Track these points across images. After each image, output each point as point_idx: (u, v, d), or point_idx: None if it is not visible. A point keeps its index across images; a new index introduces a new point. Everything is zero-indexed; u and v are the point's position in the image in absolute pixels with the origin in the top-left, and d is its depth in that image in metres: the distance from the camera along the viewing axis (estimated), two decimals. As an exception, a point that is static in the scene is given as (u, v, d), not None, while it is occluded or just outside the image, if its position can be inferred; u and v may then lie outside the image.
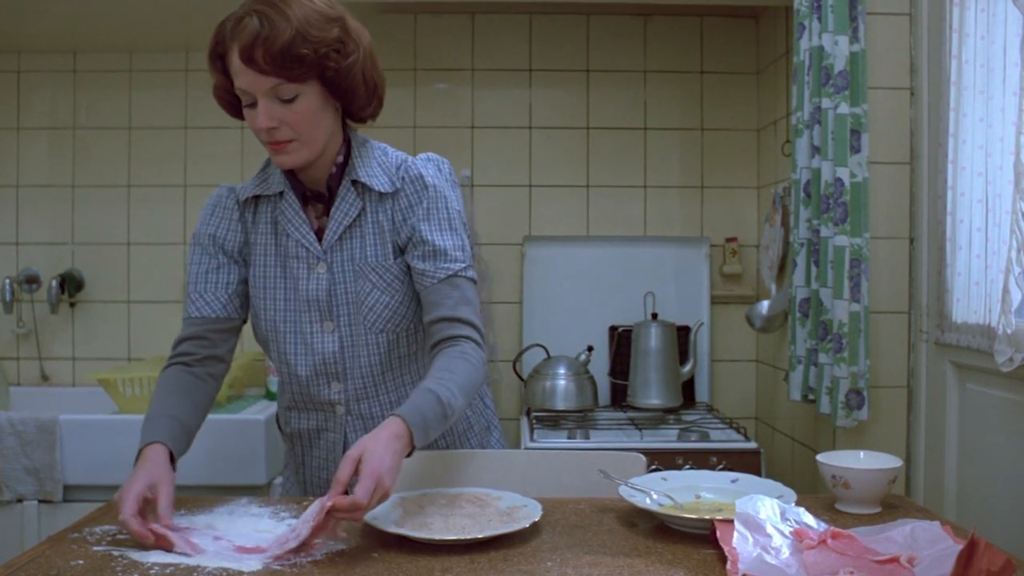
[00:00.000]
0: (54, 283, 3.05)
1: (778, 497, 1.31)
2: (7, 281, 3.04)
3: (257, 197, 1.58)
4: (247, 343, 3.16)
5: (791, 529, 1.20)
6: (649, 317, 2.90)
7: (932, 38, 2.23)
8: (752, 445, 2.47)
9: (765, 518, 1.22)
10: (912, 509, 1.46)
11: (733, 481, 1.48)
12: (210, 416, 2.58)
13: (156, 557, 1.21)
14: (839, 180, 2.19)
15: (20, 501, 2.47)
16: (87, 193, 3.15)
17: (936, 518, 1.35)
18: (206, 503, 1.47)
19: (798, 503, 1.32)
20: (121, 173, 3.15)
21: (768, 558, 1.13)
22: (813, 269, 2.33)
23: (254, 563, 1.19)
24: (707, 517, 1.27)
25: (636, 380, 2.84)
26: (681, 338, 2.91)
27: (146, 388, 2.62)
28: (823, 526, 1.23)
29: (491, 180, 3.10)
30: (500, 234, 3.10)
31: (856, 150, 2.20)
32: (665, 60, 3.14)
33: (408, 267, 1.54)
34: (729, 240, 3.10)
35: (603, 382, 2.98)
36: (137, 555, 1.22)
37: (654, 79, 3.14)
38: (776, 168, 2.91)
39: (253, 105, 1.44)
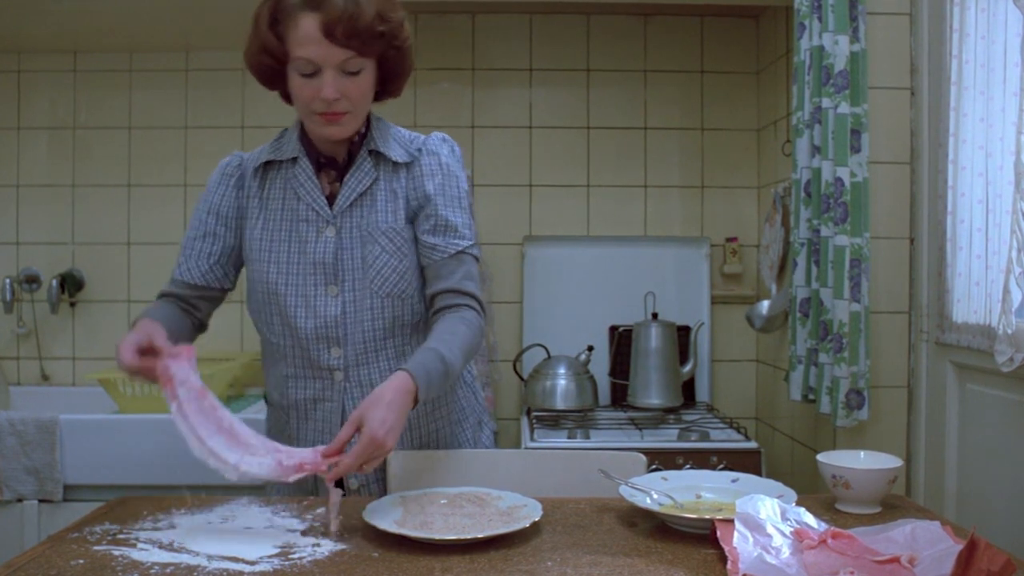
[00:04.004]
0: (54, 283, 3.05)
1: (778, 497, 1.31)
2: (7, 281, 3.04)
3: (269, 162, 1.62)
4: (248, 343, 3.16)
5: (791, 529, 1.20)
6: (649, 317, 2.90)
7: (932, 38, 2.23)
8: (752, 445, 2.47)
9: (765, 518, 1.22)
10: (912, 509, 1.46)
11: (733, 481, 1.48)
12: (210, 416, 2.60)
13: (156, 557, 1.21)
14: (839, 180, 2.19)
15: (20, 501, 2.47)
16: (87, 193, 3.15)
17: (936, 518, 1.35)
18: (206, 503, 1.47)
19: (798, 503, 1.32)
20: (121, 173, 3.15)
21: (768, 558, 1.13)
22: (813, 269, 2.33)
23: (252, 553, 1.20)
24: (707, 517, 1.27)
25: (636, 380, 2.84)
26: (681, 338, 2.91)
27: (146, 388, 2.62)
28: (823, 526, 1.23)
29: (491, 180, 3.10)
30: (500, 234, 3.10)
31: (856, 150, 2.20)
32: (665, 60, 3.14)
33: (414, 236, 1.59)
34: (729, 240, 3.10)
35: (603, 382, 2.98)
36: (137, 555, 1.22)
37: (654, 79, 3.14)
38: (776, 168, 2.91)
39: (313, 75, 1.47)
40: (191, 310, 1.66)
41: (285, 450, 1.34)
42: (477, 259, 1.61)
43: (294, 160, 1.60)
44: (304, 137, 1.60)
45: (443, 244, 1.57)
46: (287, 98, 1.59)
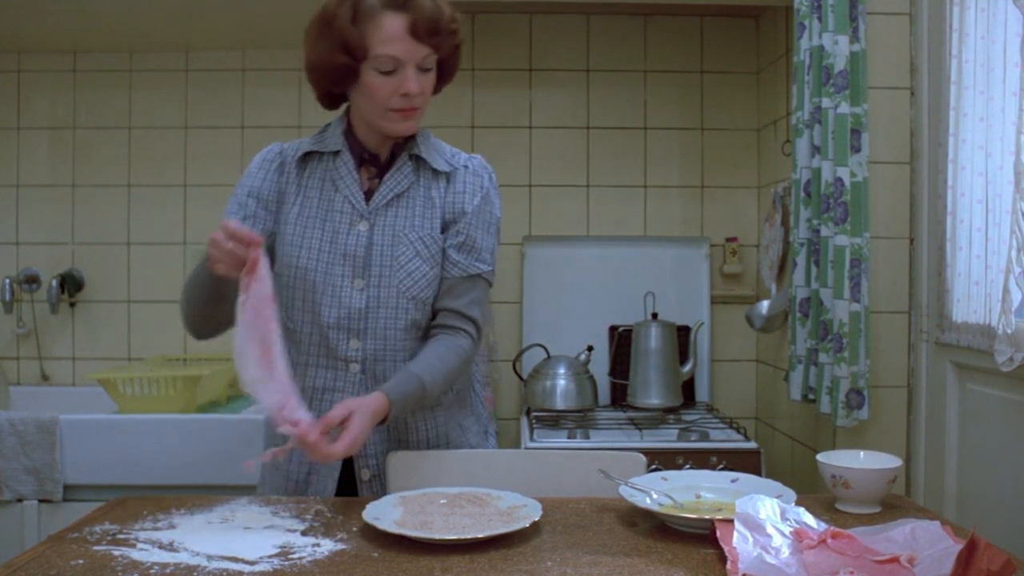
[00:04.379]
0: (54, 283, 3.05)
1: (778, 497, 1.31)
2: (7, 281, 3.04)
3: (310, 152, 1.66)
4: (247, 343, 3.15)
5: (791, 529, 1.20)
6: (649, 317, 2.90)
7: (932, 38, 2.23)
8: (752, 445, 2.47)
9: (765, 518, 1.22)
10: (912, 509, 1.46)
11: (733, 481, 1.48)
12: (210, 416, 2.61)
13: (156, 557, 1.21)
14: (839, 180, 2.19)
15: (20, 501, 2.47)
16: (87, 193, 3.15)
17: (936, 518, 1.35)
18: (206, 503, 1.47)
19: (798, 503, 1.32)
20: (121, 173, 3.15)
21: (768, 558, 1.13)
22: (813, 269, 2.33)
23: (252, 553, 1.20)
24: (707, 517, 1.27)
25: (636, 380, 2.84)
26: (681, 338, 2.91)
27: (146, 388, 2.62)
28: (823, 526, 1.23)
29: (491, 180, 3.10)
30: (500, 234, 3.09)
31: (856, 150, 2.20)
32: (665, 60, 3.14)
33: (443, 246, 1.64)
34: (729, 240, 3.10)
35: (603, 382, 2.98)
36: (137, 555, 1.22)
37: (654, 79, 3.14)
38: (776, 168, 2.91)
39: (392, 72, 1.52)
40: (231, 295, 1.63)
41: (294, 403, 1.38)
42: (490, 285, 1.68)
43: (335, 153, 1.64)
44: (349, 132, 1.64)
45: (464, 262, 1.62)
46: (331, 101, 1.64)
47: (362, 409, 1.43)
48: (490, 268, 1.66)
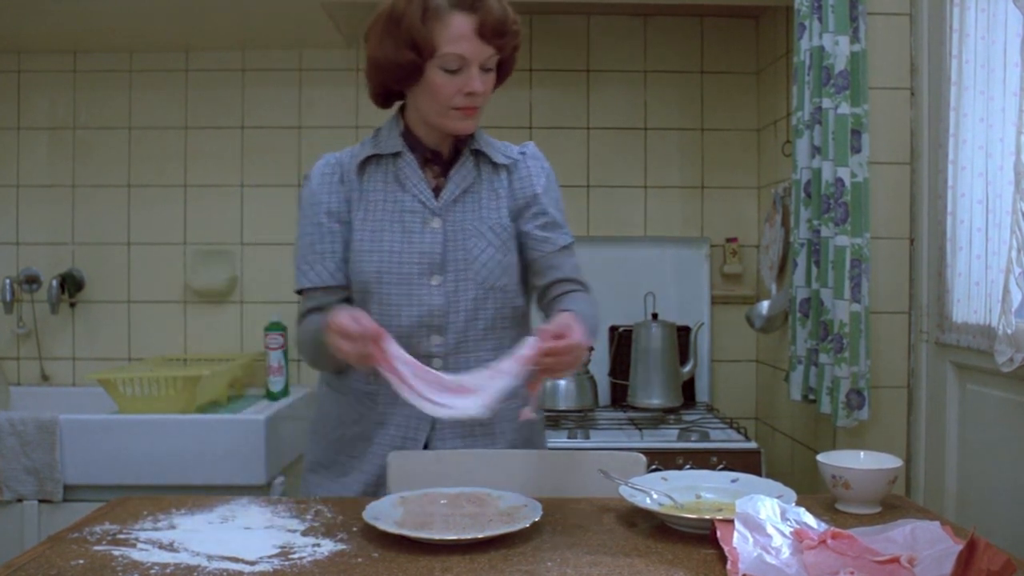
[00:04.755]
0: (54, 283, 3.05)
1: (778, 497, 1.31)
2: (7, 281, 3.04)
3: (369, 157, 1.67)
4: (247, 343, 3.16)
5: (791, 529, 1.20)
6: (649, 317, 2.90)
7: (932, 38, 2.23)
8: (752, 445, 2.47)
9: (765, 518, 1.21)
10: (912, 509, 1.46)
11: (733, 481, 1.48)
12: (210, 416, 2.61)
13: (156, 557, 1.21)
14: (839, 180, 2.19)
15: (20, 501, 2.47)
16: (87, 193, 3.15)
17: (936, 518, 1.35)
18: (206, 503, 1.47)
19: (798, 503, 1.32)
20: (121, 173, 3.15)
21: (768, 558, 1.13)
22: (813, 269, 2.33)
23: (252, 553, 1.19)
24: (707, 517, 1.27)
25: (636, 380, 2.84)
26: (681, 338, 2.91)
27: (146, 388, 2.62)
28: (823, 526, 1.23)
29: (491, 180, 3.10)
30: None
31: (856, 150, 2.20)
32: (665, 60, 3.14)
33: (517, 233, 1.67)
34: (729, 240, 3.10)
35: (603, 382, 2.98)
36: (137, 555, 1.22)
37: (654, 79, 3.14)
38: (776, 168, 2.91)
39: (456, 72, 1.55)
40: None
41: (486, 372, 1.39)
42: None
43: (395, 155, 1.66)
44: (407, 133, 1.66)
45: (553, 237, 1.67)
46: (385, 100, 1.67)
47: (575, 320, 1.41)
48: (573, 240, 1.71)
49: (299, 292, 1.68)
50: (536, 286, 1.70)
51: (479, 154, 1.68)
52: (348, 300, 1.66)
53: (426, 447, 1.65)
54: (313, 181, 1.68)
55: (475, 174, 1.67)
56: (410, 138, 1.67)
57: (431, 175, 1.67)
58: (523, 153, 1.72)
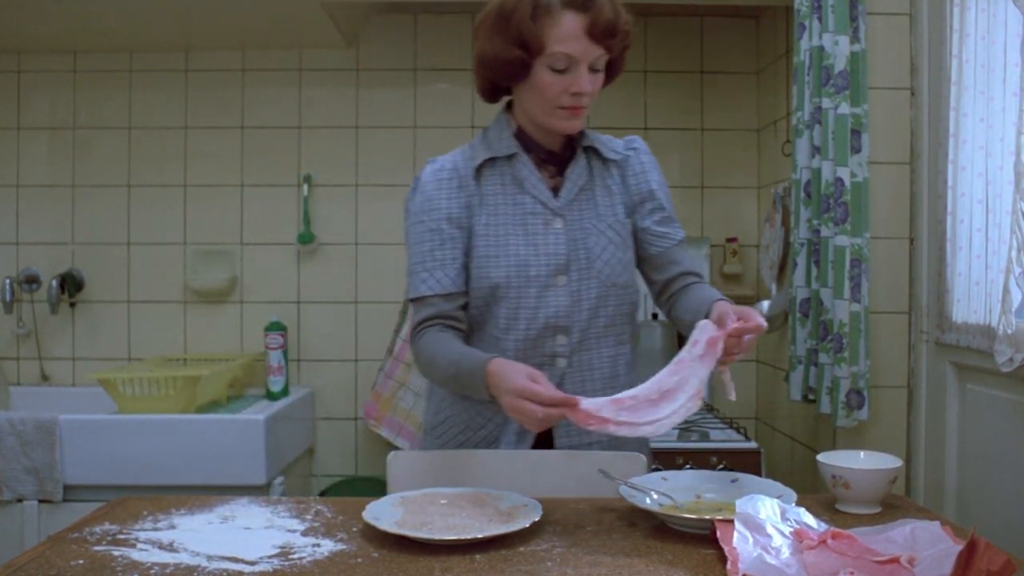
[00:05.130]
0: (54, 283, 3.05)
1: (778, 497, 1.31)
2: (7, 281, 3.04)
3: (486, 160, 1.65)
4: (246, 343, 3.16)
5: (791, 529, 1.20)
6: (649, 317, 2.89)
7: (932, 38, 2.23)
8: (752, 445, 2.47)
9: (765, 518, 1.21)
10: (912, 509, 1.46)
11: (733, 481, 1.48)
12: (210, 416, 2.61)
13: (156, 557, 1.21)
14: (839, 180, 2.19)
15: (20, 501, 2.47)
16: (87, 193, 3.15)
17: (936, 518, 1.35)
18: (206, 503, 1.47)
19: (798, 503, 1.32)
20: (121, 173, 3.16)
21: (768, 558, 1.13)
22: (813, 269, 2.33)
23: (252, 553, 1.19)
24: (707, 517, 1.27)
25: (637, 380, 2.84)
26: (681, 338, 2.90)
27: (146, 388, 2.62)
28: (823, 526, 1.23)
29: (491, 180, 3.10)
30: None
31: (856, 150, 2.20)
32: (665, 60, 3.14)
33: (634, 229, 1.68)
34: (729, 240, 3.10)
35: (603, 382, 2.97)
36: (137, 555, 1.22)
37: (654, 79, 3.14)
38: (776, 168, 2.91)
39: (564, 71, 1.53)
40: (460, 327, 1.64)
41: (685, 362, 1.39)
42: None
43: (509, 157, 1.64)
44: (520, 133, 1.65)
45: (671, 232, 1.69)
46: (492, 96, 1.66)
47: (745, 309, 1.46)
48: (685, 233, 1.73)
49: (413, 300, 1.64)
50: (656, 280, 1.71)
51: (590, 150, 1.68)
52: (464, 308, 1.64)
53: (549, 439, 1.65)
54: (428, 186, 1.65)
55: (588, 171, 1.66)
56: (523, 138, 1.65)
57: (547, 175, 1.65)
58: (634, 149, 1.71)
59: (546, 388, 1.37)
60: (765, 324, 1.42)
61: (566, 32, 1.51)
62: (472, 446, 1.67)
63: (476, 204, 1.63)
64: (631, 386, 1.63)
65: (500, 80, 1.62)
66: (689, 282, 1.68)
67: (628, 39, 1.58)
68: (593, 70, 1.55)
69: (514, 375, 1.40)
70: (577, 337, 1.63)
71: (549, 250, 1.61)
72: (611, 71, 1.62)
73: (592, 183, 1.66)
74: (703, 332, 1.40)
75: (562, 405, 1.35)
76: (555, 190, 1.64)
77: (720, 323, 1.41)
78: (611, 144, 1.71)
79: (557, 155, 1.66)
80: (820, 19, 2.26)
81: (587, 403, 1.35)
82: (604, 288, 1.63)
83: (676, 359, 1.39)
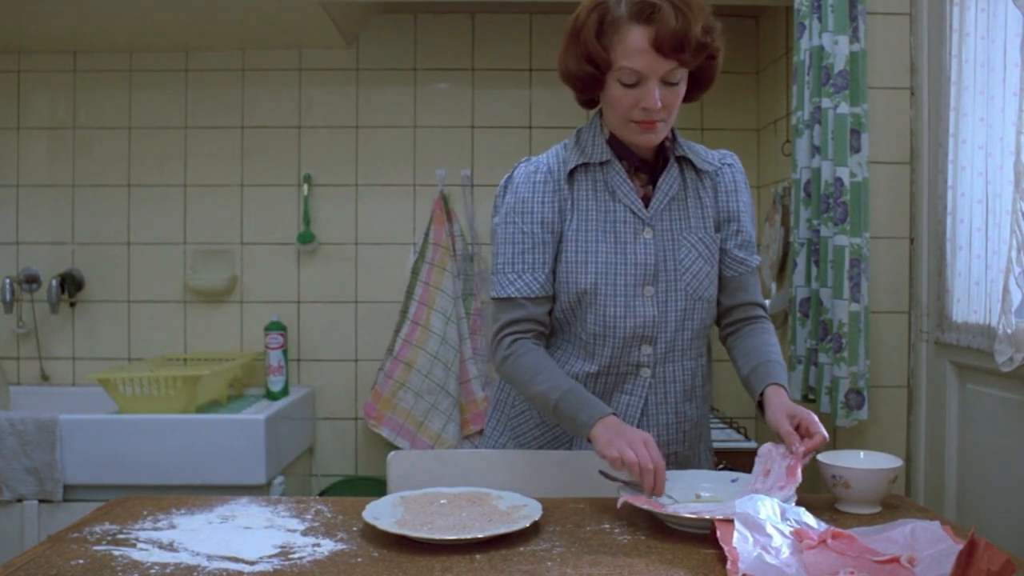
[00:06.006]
0: (54, 283, 3.05)
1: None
2: (7, 281, 3.04)
3: (578, 166, 1.64)
4: (246, 343, 3.16)
5: (791, 529, 1.20)
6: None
7: (932, 38, 2.23)
8: (752, 445, 2.47)
9: (765, 518, 1.21)
10: (912, 509, 1.46)
11: (733, 481, 1.48)
12: (210, 416, 2.61)
13: (156, 557, 1.21)
14: (839, 180, 2.19)
15: (20, 501, 2.47)
16: (87, 193, 3.15)
17: (936, 518, 1.35)
18: (206, 503, 1.47)
19: (798, 503, 1.32)
20: (121, 173, 3.16)
21: (768, 558, 1.13)
22: (813, 269, 2.33)
23: (252, 553, 1.19)
24: (707, 517, 1.27)
25: (636, 380, 2.84)
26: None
27: (146, 388, 2.62)
28: (823, 526, 1.23)
29: (491, 180, 3.10)
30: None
31: (856, 150, 2.20)
32: (665, 60, 3.14)
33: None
34: (729, 240, 3.10)
35: (603, 382, 2.97)
36: (137, 555, 1.22)
37: (654, 79, 3.14)
38: (776, 168, 2.91)
39: (634, 85, 1.51)
40: (546, 331, 1.65)
41: (772, 456, 1.46)
42: None
43: (602, 163, 1.62)
44: (613, 140, 1.62)
45: (749, 259, 1.68)
46: (588, 103, 1.64)
47: (792, 405, 1.52)
48: (760, 260, 1.73)
49: (500, 299, 1.63)
50: (721, 303, 1.69)
51: (683, 160, 1.65)
52: (549, 312, 1.64)
53: None
54: (522, 188, 1.63)
55: (680, 181, 1.64)
56: (616, 145, 1.62)
57: (639, 183, 1.63)
58: (728, 164, 1.69)
59: (656, 454, 1.41)
60: (827, 436, 1.43)
61: (632, 47, 1.48)
62: (546, 441, 1.69)
63: (567, 208, 1.62)
64: (707, 399, 1.72)
65: (580, 94, 1.61)
66: (754, 315, 1.69)
67: (708, 49, 1.51)
68: (667, 83, 1.51)
69: (634, 430, 1.45)
70: (663, 348, 1.62)
71: (638, 259, 1.60)
72: (701, 80, 1.58)
73: (684, 193, 1.64)
74: (770, 461, 1.44)
75: (654, 475, 1.39)
76: (646, 199, 1.62)
77: (787, 441, 1.44)
78: (705, 155, 1.68)
79: (649, 163, 1.63)
80: (820, 19, 2.26)
81: (671, 507, 1.36)
82: (690, 301, 1.62)
83: (750, 489, 1.40)
